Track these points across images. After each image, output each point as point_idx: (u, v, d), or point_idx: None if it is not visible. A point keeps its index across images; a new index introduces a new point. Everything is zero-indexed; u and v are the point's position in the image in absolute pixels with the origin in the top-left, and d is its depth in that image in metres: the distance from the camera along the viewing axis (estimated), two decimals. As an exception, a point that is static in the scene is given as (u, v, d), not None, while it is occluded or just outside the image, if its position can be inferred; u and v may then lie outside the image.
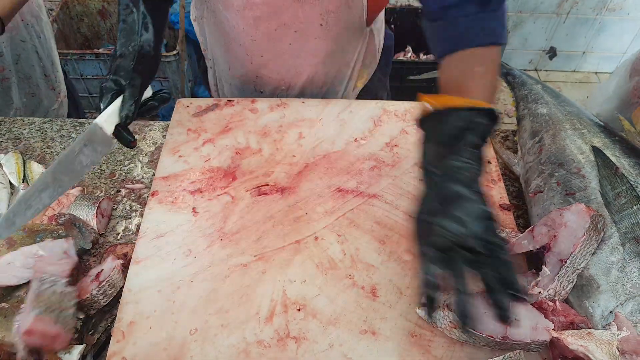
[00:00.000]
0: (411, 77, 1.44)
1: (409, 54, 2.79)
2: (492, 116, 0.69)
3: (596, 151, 0.87)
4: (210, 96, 1.35)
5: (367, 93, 1.26)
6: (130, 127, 1.09)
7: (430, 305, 0.64)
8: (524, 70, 3.10)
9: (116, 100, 0.77)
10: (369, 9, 1.03)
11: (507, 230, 0.84)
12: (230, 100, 1.09)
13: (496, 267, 0.61)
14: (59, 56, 2.35)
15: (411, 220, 0.70)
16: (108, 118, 0.76)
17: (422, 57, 2.83)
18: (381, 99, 1.29)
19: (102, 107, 0.77)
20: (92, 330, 0.75)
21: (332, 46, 1.07)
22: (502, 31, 0.77)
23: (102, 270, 0.77)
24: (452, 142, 0.67)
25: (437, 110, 0.71)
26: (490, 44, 0.76)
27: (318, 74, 1.13)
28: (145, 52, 0.78)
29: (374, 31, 1.14)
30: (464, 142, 0.67)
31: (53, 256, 0.74)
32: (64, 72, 1.58)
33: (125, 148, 1.04)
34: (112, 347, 0.70)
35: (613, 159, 0.84)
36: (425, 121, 0.73)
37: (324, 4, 0.97)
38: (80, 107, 1.72)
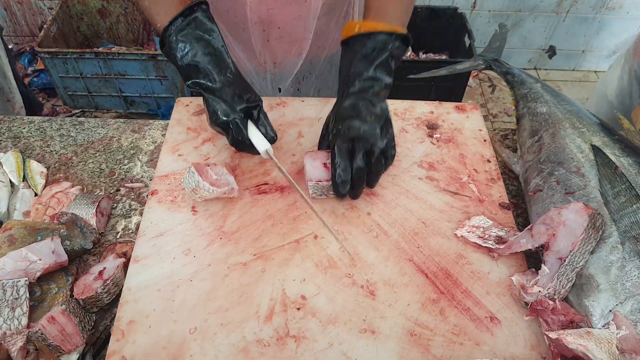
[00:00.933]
0: (411, 76, 1.44)
1: (409, 53, 2.79)
2: (405, 40, 0.86)
3: (596, 150, 0.87)
4: None
5: None
6: (131, 126, 1.10)
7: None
8: (524, 69, 3.11)
9: (250, 124, 0.86)
10: None
11: (505, 228, 0.84)
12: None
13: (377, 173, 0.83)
14: (59, 55, 2.36)
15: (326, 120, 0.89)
16: (263, 141, 0.87)
17: (422, 55, 2.84)
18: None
19: (245, 137, 0.85)
20: (92, 329, 0.75)
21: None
22: None
23: (105, 268, 0.77)
24: (369, 59, 0.83)
25: (361, 33, 0.84)
26: None
27: (323, 29, 1.12)
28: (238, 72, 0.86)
29: None
30: (380, 61, 0.83)
31: (43, 257, 0.74)
32: (23, 83, 1.56)
33: (124, 146, 1.05)
34: (112, 346, 0.70)
35: (613, 157, 0.84)
36: (349, 41, 0.86)
37: None
38: (38, 108, 1.70)
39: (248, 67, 1.20)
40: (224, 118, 0.83)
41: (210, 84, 0.82)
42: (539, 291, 0.72)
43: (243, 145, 0.86)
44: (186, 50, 0.81)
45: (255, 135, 0.86)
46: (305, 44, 1.13)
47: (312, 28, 1.09)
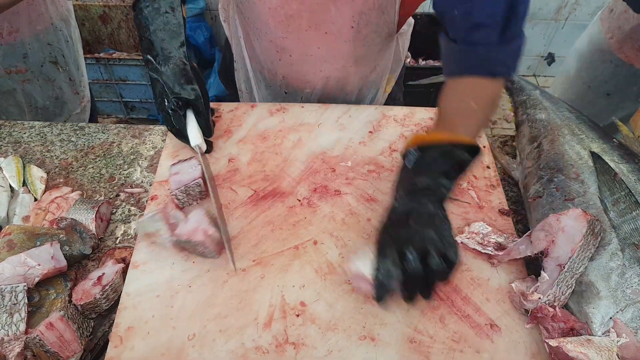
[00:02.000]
0: (410, 83, 1.45)
1: (408, 60, 2.79)
2: (473, 150, 0.73)
3: (595, 157, 0.87)
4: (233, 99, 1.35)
5: (389, 97, 1.27)
6: (131, 131, 1.10)
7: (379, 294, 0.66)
8: (523, 75, 3.11)
9: (189, 116, 0.88)
10: (400, 14, 1.01)
11: (505, 235, 0.84)
12: (229, 105, 1.09)
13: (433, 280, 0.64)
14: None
15: (377, 230, 0.72)
16: (199, 136, 0.89)
17: (421, 62, 2.85)
18: (400, 101, 1.30)
19: (174, 127, 0.88)
20: (91, 335, 0.75)
21: (361, 50, 1.05)
22: (514, 66, 0.81)
23: (104, 274, 0.77)
24: (428, 169, 0.71)
25: (422, 146, 0.74)
26: (500, 75, 0.81)
27: (346, 78, 1.12)
28: (189, 61, 0.86)
29: (402, 35, 1.13)
30: (439, 169, 0.71)
31: (42, 262, 0.74)
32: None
33: (124, 151, 1.05)
34: (110, 352, 0.70)
35: (612, 164, 0.84)
36: (408, 154, 0.75)
37: (357, 5, 0.93)
38: (95, 112, 1.72)
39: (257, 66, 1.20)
40: (165, 102, 0.86)
41: (157, 65, 0.85)
42: (539, 298, 0.72)
43: (179, 135, 0.91)
44: (149, 23, 0.85)
45: (192, 127, 0.90)
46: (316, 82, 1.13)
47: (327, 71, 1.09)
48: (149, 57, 0.89)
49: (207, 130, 0.93)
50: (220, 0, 1.18)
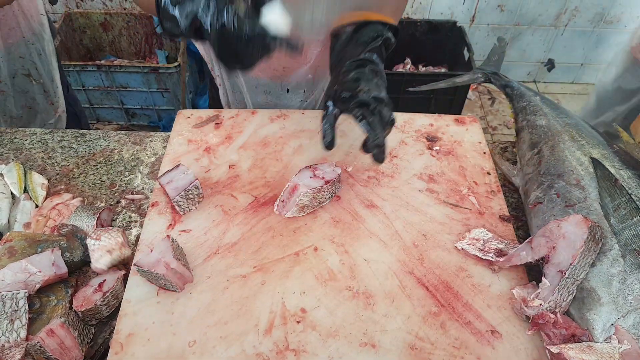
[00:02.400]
0: (410, 89, 1.45)
1: (408, 66, 2.81)
2: (395, 32, 0.92)
3: (595, 163, 0.87)
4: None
5: None
6: (132, 138, 1.11)
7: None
8: (523, 82, 3.12)
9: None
10: None
11: (506, 241, 0.84)
12: (230, 112, 1.10)
13: (379, 111, 0.80)
14: (61, 68, 2.38)
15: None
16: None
17: (421, 69, 2.86)
18: None
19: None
20: (91, 342, 0.74)
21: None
22: None
23: (105, 280, 0.77)
24: (364, 44, 0.88)
25: (357, 22, 0.90)
26: None
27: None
28: None
29: None
30: (374, 46, 0.87)
31: (43, 269, 0.74)
32: (67, 88, 1.59)
33: (125, 158, 1.05)
34: (111, 359, 0.69)
35: (612, 170, 0.84)
36: (344, 28, 0.92)
37: None
38: (83, 121, 1.73)
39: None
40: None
41: None
42: (540, 304, 0.71)
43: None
44: None
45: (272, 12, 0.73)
46: (309, 55, 1.12)
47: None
48: None
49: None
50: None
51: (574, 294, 0.72)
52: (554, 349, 0.66)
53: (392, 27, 0.92)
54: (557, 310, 0.71)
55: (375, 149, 0.80)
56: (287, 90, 1.18)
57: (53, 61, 1.46)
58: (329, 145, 0.83)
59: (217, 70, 1.24)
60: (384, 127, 0.80)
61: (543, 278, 0.73)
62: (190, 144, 1.02)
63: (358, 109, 0.80)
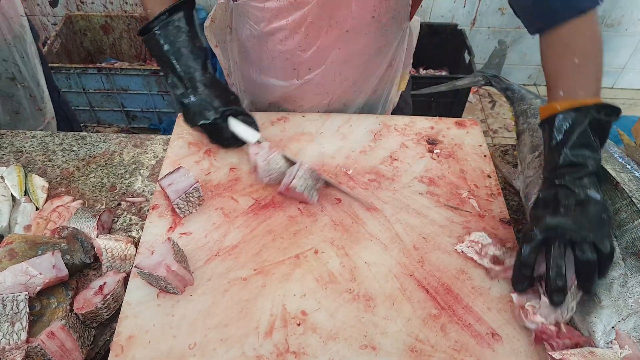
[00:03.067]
0: (413, 92, 1.45)
1: (408, 69, 2.81)
2: (608, 110, 0.73)
3: (595, 166, 0.87)
4: None
5: (401, 99, 1.26)
6: (132, 140, 1.11)
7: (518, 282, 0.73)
8: (523, 85, 3.12)
9: (233, 121, 0.93)
10: None
11: (505, 247, 0.84)
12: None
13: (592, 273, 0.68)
14: (62, 71, 2.38)
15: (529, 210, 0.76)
16: (253, 131, 0.95)
17: (422, 72, 2.86)
18: (409, 104, 1.31)
19: (227, 137, 0.95)
20: (92, 345, 0.74)
21: (381, 41, 1.03)
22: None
23: (105, 283, 0.77)
24: (573, 139, 0.72)
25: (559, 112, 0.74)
26: (588, 7, 0.75)
27: (363, 77, 1.10)
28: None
29: (412, 29, 1.11)
30: (574, 140, 0.72)
31: (43, 272, 0.74)
32: (58, 93, 1.58)
33: (125, 161, 1.05)
34: (111, 361, 0.69)
35: (613, 173, 0.84)
36: (547, 122, 0.77)
37: None
38: (75, 126, 1.72)
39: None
40: (206, 120, 0.90)
41: (189, 85, 0.89)
42: (542, 323, 0.71)
43: (232, 142, 0.96)
44: (168, 45, 0.88)
45: (242, 129, 0.94)
46: (335, 92, 1.11)
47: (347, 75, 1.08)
48: (175, 80, 0.92)
49: (254, 124, 0.97)
50: (208, 26, 1.14)
51: (574, 310, 0.72)
52: (556, 355, 0.66)
53: (598, 106, 0.72)
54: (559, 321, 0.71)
55: (555, 294, 0.69)
56: (303, 116, 1.16)
57: (37, 64, 1.44)
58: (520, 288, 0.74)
59: (233, 78, 1.24)
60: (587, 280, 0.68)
61: (542, 295, 0.72)
62: (190, 146, 1.02)
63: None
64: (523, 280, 0.73)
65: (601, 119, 0.72)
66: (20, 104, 1.42)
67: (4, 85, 1.38)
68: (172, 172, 0.90)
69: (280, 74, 1.09)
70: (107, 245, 0.80)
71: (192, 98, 0.91)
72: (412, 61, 1.19)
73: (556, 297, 0.68)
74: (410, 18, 1.05)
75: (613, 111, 0.73)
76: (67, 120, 1.63)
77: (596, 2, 0.75)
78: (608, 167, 0.85)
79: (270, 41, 1.02)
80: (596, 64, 0.77)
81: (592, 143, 0.72)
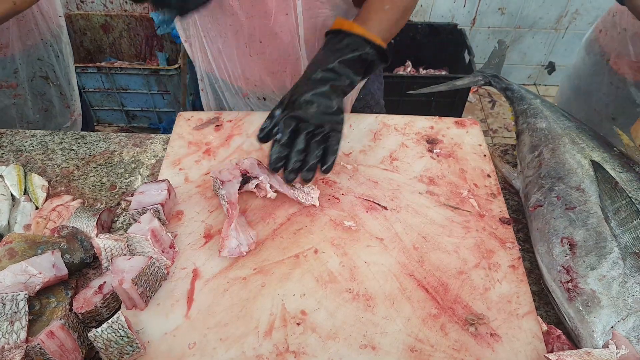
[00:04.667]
0: (410, 92, 1.45)
1: (409, 69, 2.81)
2: (381, 54, 0.89)
3: (596, 166, 0.87)
4: None
5: (369, 96, 1.26)
6: (132, 140, 1.11)
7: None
8: (523, 84, 3.12)
9: None
10: None
11: (509, 244, 0.84)
12: (230, 114, 1.10)
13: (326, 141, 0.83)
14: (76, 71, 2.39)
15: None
16: None
17: (422, 71, 2.86)
18: (382, 106, 1.30)
19: None
20: (91, 344, 0.74)
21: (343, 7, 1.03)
22: None
23: (105, 282, 0.77)
24: (337, 53, 0.86)
25: (339, 30, 0.89)
26: None
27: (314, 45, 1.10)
28: None
29: None
30: (347, 57, 0.86)
31: (43, 271, 0.74)
32: (80, 91, 1.59)
33: (125, 160, 1.05)
34: (110, 360, 0.69)
35: (612, 173, 0.84)
36: (329, 34, 0.91)
37: None
38: (91, 124, 1.73)
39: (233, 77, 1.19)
40: None
41: None
42: None
43: None
44: None
45: None
46: (289, 62, 1.11)
47: (298, 49, 1.07)
48: None
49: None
50: (178, 22, 1.16)
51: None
52: (552, 357, 0.66)
53: (375, 45, 0.88)
54: None
55: (290, 174, 0.83)
56: (264, 99, 1.17)
57: (70, 63, 1.47)
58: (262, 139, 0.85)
59: (199, 74, 1.24)
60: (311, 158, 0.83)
61: None
62: (190, 146, 1.02)
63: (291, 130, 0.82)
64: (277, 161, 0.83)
65: (374, 56, 0.88)
66: (50, 102, 1.43)
67: (37, 85, 1.39)
68: (156, 182, 0.87)
69: (240, 50, 1.10)
70: (106, 244, 0.80)
71: None
72: None
73: (274, 163, 0.83)
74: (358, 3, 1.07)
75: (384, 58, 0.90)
76: (85, 120, 1.64)
77: None
78: (608, 167, 0.86)
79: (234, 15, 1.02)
80: (397, 17, 0.95)
81: (359, 67, 0.88)
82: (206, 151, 1.01)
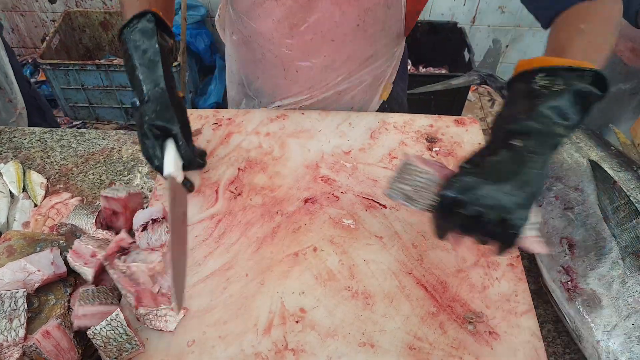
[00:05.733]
0: (409, 91, 1.45)
1: (408, 67, 2.81)
2: (598, 80, 0.60)
3: (594, 165, 0.87)
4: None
5: (394, 102, 1.24)
6: (131, 137, 1.10)
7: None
8: (523, 83, 3.12)
9: (168, 146, 0.78)
10: (408, 12, 0.98)
11: None
12: (229, 112, 1.10)
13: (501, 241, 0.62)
14: (60, 67, 2.38)
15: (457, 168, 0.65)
16: (175, 166, 0.78)
17: (421, 69, 2.86)
18: (405, 107, 1.28)
19: (155, 156, 0.78)
20: (88, 343, 0.74)
21: (369, 51, 1.03)
22: None
23: (103, 280, 0.77)
24: (533, 98, 0.60)
25: (526, 71, 0.64)
26: None
27: (348, 87, 1.09)
28: (174, 92, 0.79)
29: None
30: (550, 102, 0.59)
31: (42, 268, 0.74)
32: (28, 83, 1.56)
33: (124, 158, 1.05)
34: (109, 358, 0.69)
35: (610, 172, 0.84)
36: (512, 83, 0.67)
37: (362, 3, 0.91)
38: (49, 115, 1.70)
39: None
40: (139, 130, 0.79)
41: (137, 97, 0.79)
42: None
43: (154, 165, 0.79)
44: (129, 55, 0.79)
45: (169, 156, 0.78)
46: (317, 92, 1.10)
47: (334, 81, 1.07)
48: (132, 89, 0.81)
49: (187, 158, 0.79)
50: (219, 15, 1.16)
51: None
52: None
53: (587, 71, 0.61)
54: None
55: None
56: (302, 114, 1.16)
57: (3, 56, 1.42)
58: None
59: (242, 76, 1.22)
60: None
61: None
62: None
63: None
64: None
65: (590, 90, 0.60)
66: None
67: None
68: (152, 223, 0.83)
69: (269, 69, 1.09)
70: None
71: (138, 108, 0.79)
72: (397, 72, 1.17)
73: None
74: (407, 32, 1.05)
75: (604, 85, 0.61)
76: (40, 111, 1.61)
77: None
78: (606, 166, 0.86)
79: (260, 38, 1.02)
80: (604, 33, 0.69)
81: (571, 110, 0.60)
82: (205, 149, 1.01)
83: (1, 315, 0.68)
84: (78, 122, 2.64)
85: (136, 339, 0.68)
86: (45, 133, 1.11)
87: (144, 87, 0.77)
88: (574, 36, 0.68)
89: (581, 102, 0.60)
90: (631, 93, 1.39)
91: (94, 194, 0.98)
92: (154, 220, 0.82)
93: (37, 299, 0.75)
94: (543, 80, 0.61)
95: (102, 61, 2.56)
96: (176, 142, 0.78)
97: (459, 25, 2.74)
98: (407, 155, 0.69)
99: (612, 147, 0.92)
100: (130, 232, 0.82)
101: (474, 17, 2.85)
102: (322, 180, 0.95)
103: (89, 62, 2.41)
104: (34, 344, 0.66)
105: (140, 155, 1.03)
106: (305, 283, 0.79)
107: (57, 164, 1.04)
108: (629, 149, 0.95)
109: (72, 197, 0.95)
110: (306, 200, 0.91)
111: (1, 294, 0.69)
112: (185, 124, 0.79)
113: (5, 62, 1.44)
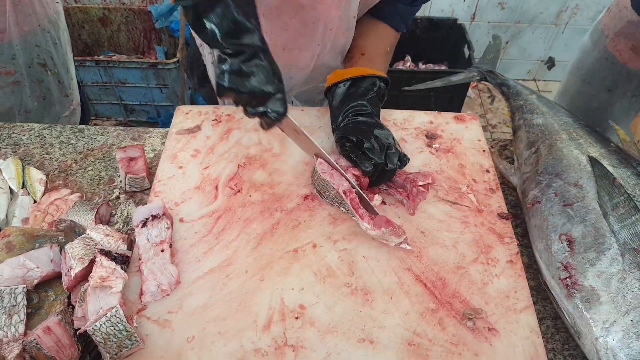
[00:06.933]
0: (406, 88, 1.45)
1: (408, 63, 2.80)
2: (387, 83, 1.00)
3: (593, 162, 0.87)
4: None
5: None
6: (130, 134, 1.10)
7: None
8: (523, 80, 3.12)
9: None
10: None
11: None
12: (228, 108, 1.09)
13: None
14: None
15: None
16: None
17: (421, 66, 2.85)
18: None
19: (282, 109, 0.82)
20: (89, 339, 0.74)
21: (350, 35, 1.09)
22: (408, 23, 1.11)
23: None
24: (362, 95, 0.96)
25: (353, 77, 0.98)
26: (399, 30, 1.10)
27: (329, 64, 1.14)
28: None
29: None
30: (370, 96, 0.96)
31: (41, 265, 0.74)
32: (78, 82, 1.58)
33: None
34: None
35: (610, 169, 0.84)
36: (336, 85, 0.99)
37: None
38: (88, 116, 1.72)
39: None
40: (271, 86, 0.77)
41: (259, 44, 0.73)
42: None
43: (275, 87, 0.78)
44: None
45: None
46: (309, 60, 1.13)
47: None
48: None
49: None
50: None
51: None
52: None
53: (382, 78, 0.98)
54: None
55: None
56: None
57: (68, 51, 1.45)
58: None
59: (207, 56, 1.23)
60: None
61: None
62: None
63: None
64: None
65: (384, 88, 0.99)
66: (48, 89, 1.41)
67: (35, 71, 1.37)
68: (152, 219, 0.83)
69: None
70: (97, 238, 0.79)
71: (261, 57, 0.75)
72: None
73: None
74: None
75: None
76: (82, 111, 1.63)
77: (402, 30, 1.11)
78: (605, 163, 0.86)
79: None
80: (390, 56, 1.12)
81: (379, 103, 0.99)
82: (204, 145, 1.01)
83: (1, 311, 0.68)
84: (77, 119, 2.63)
85: (136, 335, 0.68)
86: (45, 129, 1.11)
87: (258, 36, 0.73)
88: (382, 55, 1.11)
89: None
90: (632, 95, 1.39)
91: (93, 190, 0.98)
92: (154, 217, 0.82)
93: (36, 295, 0.75)
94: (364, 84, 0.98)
95: (101, 57, 2.55)
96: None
97: (459, 22, 2.73)
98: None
99: (611, 144, 0.92)
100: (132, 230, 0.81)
101: (474, 14, 2.85)
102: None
103: (88, 58, 2.41)
104: (34, 339, 0.66)
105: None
106: (305, 279, 0.79)
107: (56, 160, 1.04)
108: (629, 146, 0.95)
109: (72, 193, 0.95)
110: (306, 197, 0.91)
111: (0, 289, 0.69)
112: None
113: (69, 57, 1.45)
